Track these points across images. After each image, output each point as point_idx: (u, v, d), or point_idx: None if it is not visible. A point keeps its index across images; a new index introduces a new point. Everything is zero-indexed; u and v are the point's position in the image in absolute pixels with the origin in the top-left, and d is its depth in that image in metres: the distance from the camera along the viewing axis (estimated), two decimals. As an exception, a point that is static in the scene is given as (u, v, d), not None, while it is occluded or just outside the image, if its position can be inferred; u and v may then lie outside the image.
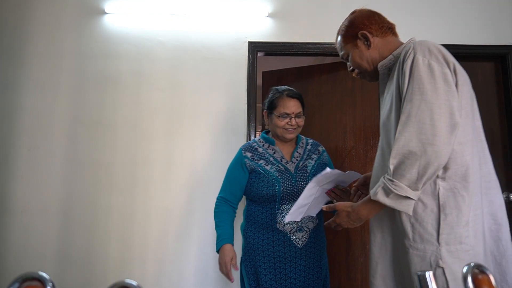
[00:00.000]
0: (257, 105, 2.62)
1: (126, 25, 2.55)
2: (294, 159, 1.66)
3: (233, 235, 1.63)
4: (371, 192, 1.03)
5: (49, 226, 2.33)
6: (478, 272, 0.50)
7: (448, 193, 0.99)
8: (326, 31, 2.53)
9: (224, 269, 1.55)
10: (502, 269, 1.02)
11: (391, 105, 1.08)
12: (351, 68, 1.27)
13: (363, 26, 1.21)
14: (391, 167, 0.97)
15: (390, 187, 0.97)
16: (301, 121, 1.66)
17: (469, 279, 0.49)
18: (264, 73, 3.11)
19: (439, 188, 0.99)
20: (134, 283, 0.45)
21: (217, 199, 1.71)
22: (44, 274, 0.45)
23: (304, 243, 1.56)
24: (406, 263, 1.01)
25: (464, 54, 2.64)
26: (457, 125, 0.95)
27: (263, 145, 1.69)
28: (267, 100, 1.71)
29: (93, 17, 2.55)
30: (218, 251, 1.58)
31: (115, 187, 2.38)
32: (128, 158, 2.41)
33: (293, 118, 1.62)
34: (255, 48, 2.55)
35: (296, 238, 1.54)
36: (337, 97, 2.71)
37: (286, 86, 1.72)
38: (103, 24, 2.55)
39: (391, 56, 1.17)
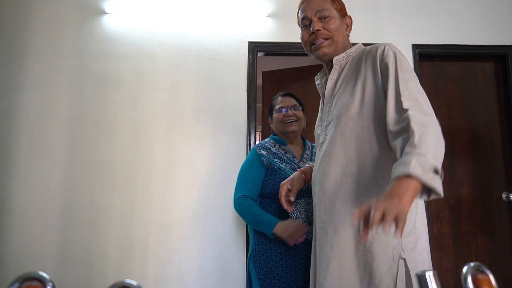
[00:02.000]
0: (257, 105, 2.62)
1: (126, 25, 2.55)
2: (304, 159, 1.73)
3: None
4: (403, 170, 0.84)
5: (49, 226, 2.33)
6: (478, 272, 0.51)
7: None
8: (326, 31, 2.53)
9: (295, 230, 1.49)
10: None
11: (359, 95, 1.08)
12: (319, 29, 1.18)
13: (347, 13, 1.27)
14: (415, 141, 0.87)
15: (427, 161, 0.84)
16: (298, 113, 1.76)
17: (469, 279, 0.49)
18: (264, 73, 3.11)
19: None
20: (134, 283, 0.45)
21: (238, 198, 1.68)
22: (44, 274, 0.45)
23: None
24: (370, 256, 1.00)
25: (464, 54, 2.64)
26: None
27: (274, 145, 1.75)
28: (268, 110, 1.87)
29: (93, 17, 2.55)
30: (273, 234, 1.54)
31: (115, 187, 2.38)
32: (128, 158, 2.41)
33: (289, 109, 1.74)
34: (255, 48, 2.55)
35: (307, 232, 1.55)
36: (337, 97, 2.71)
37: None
38: (103, 24, 2.56)
39: (344, 54, 1.19)
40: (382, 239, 0.99)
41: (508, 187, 2.55)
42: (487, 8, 2.65)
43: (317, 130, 1.27)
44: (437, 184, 0.84)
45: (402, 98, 0.98)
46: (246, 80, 2.52)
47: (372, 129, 1.06)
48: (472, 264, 0.51)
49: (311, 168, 1.37)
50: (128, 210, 2.36)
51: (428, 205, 2.46)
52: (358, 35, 2.60)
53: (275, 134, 1.83)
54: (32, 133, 2.42)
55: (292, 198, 1.34)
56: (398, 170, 0.86)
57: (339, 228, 1.05)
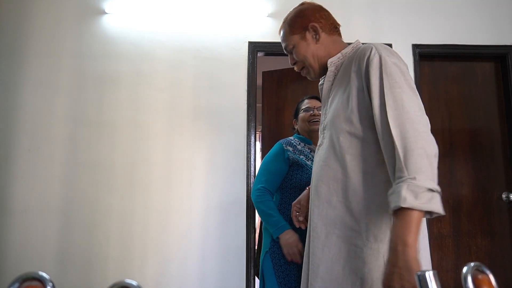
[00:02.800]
0: (257, 105, 2.62)
1: (126, 25, 2.55)
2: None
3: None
4: (395, 202, 0.85)
5: (49, 226, 2.33)
6: (478, 272, 0.50)
7: None
8: (326, 31, 2.53)
9: (294, 249, 1.56)
10: None
11: (348, 101, 1.06)
12: (294, 62, 1.23)
13: (314, 18, 1.18)
14: (402, 164, 0.87)
15: (417, 184, 0.83)
16: None
17: (469, 279, 0.49)
18: (264, 73, 3.11)
19: None
20: (134, 283, 0.45)
21: (258, 189, 1.72)
22: (44, 274, 0.45)
23: None
24: (361, 262, 0.99)
25: (464, 54, 2.64)
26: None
27: (300, 143, 1.80)
28: (294, 112, 1.95)
29: (93, 17, 2.55)
30: (277, 238, 1.61)
31: (115, 187, 2.38)
32: (128, 158, 2.41)
33: (315, 109, 1.81)
34: (255, 48, 2.55)
35: None
36: (337, 97, 2.71)
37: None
38: (103, 24, 2.56)
39: (339, 54, 1.16)
40: (373, 245, 0.98)
41: (508, 187, 2.55)
42: (487, 8, 2.65)
43: (319, 131, 1.28)
44: (434, 205, 0.83)
45: (387, 108, 0.93)
46: (246, 80, 2.52)
47: (360, 134, 1.04)
48: (472, 264, 0.51)
49: None
50: (128, 210, 2.36)
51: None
52: (358, 35, 2.60)
53: (299, 133, 1.88)
54: (32, 133, 2.42)
55: (300, 218, 1.39)
56: (392, 201, 0.86)
57: (330, 233, 1.05)
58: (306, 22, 1.18)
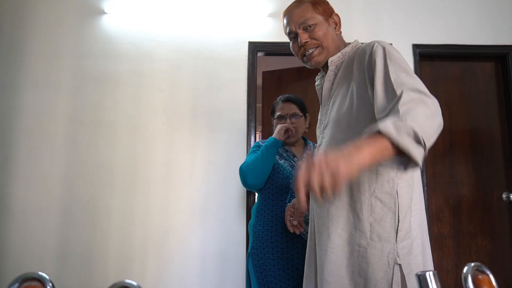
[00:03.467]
0: (257, 105, 2.62)
1: (126, 25, 2.55)
2: (304, 159, 1.74)
3: None
4: (373, 128, 0.78)
5: (49, 226, 2.33)
6: (478, 272, 0.50)
7: (402, 191, 1.00)
8: (326, 31, 2.54)
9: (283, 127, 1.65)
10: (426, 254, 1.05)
11: (352, 98, 1.04)
12: (306, 41, 1.14)
13: (334, 11, 1.21)
14: (401, 111, 0.79)
15: (405, 124, 0.76)
16: (298, 122, 1.74)
17: (469, 279, 0.49)
18: (264, 73, 3.11)
19: (397, 187, 1.00)
20: (134, 283, 0.45)
21: (244, 163, 1.69)
22: (44, 274, 0.45)
23: None
24: (364, 262, 0.99)
25: (464, 54, 2.64)
26: None
27: None
28: (271, 110, 1.87)
29: (92, 17, 2.55)
30: (272, 141, 1.65)
31: (115, 187, 2.38)
32: (128, 158, 2.41)
33: (287, 119, 1.72)
34: (255, 48, 2.55)
35: (304, 231, 1.54)
36: (337, 97, 2.71)
37: (287, 94, 1.84)
38: (103, 24, 2.56)
39: (340, 54, 1.16)
40: (377, 245, 0.98)
41: (508, 187, 2.55)
42: (487, 8, 2.65)
43: (317, 131, 1.27)
44: (411, 147, 0.74)
45: (393, 84, 0.88)
46: (246, 80, 2.52)
47: (361, 133, 1.03)
48: (472, 264, 0.51)
49: None
50: (128, 210, 2.36)
51: (428, 205, 2.46)
52: (358, 35, 2.60)
53: None
54: (32, 133, 2.42)
55: (295, 222, 1.39)
56: (369, 130, 0.78)
57: (332, 234, 1.05)
58: (331, 9, 1.20)
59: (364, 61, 1.01)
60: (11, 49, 2.50)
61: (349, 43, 1.20)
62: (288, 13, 1.19)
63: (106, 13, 2.55)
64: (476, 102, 2.65)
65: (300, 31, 1.15)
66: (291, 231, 1.40)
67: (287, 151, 1.74)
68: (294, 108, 1.75)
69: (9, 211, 2.34)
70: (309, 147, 1.79)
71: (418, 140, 0.76)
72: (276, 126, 1.77)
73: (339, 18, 1.20)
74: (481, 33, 2.62)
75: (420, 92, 0.85)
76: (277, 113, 1.77)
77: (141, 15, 2.56)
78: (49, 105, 2.45)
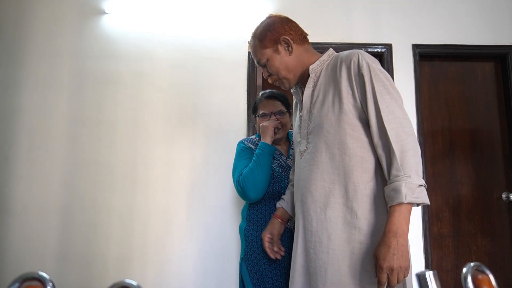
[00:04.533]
0: (257, 105, 2.62)
1: (126, 25, 2.55)
2: (291, 156, 1.63)
3: None
4: (395, 199, 0.98)
5: (49, 226, 2.33)
6: (478, 272, 0.51)
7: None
8: (326, 31, 2.53)
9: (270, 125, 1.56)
10: None
11: (340, 104, 1.10)
12: (268, 74, 1.26)
13: (283, 31, 1.21)
14: (399, 164, 1.00)
15: (413, 182, 0.97)
16: (283, 119, 1.64)
17: (469, 279, 0.49)
18: (264, 73, 3.10)
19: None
20: (134, 283, 0.45)
21: (237, 178, 1.57)
22: (44, 274, 0.45)
23: None
24: (367, 257, 1.04)
25: (464, 54, 2.64)
26: None
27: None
28: (252, 108, 1.76)
29: (92, 17, 2.55)
30: (267, 150, 1.55)
31: (115, 187, 2.38)
32: (128, 158, 2.41)
33: (272, 116, 1.63)
34: (255, 48, 2.55)
35: (285, 253, 1.47)
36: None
37: (269, 90, 1.75)
38: (103, 24, 2.55)
39: (318, 62, 1.21)
40: (376, 239, 1.04)
41: (508, 187, 2.55)
42: (487, 8, 2.65)
43: (296, 137, 1.28)
44: (424, 198, 0.99)
45: (382, 113, 1.03)
46: (246, 80, 2.52)
47: (354, 136, 1.09)
48: (472, 264, 0.51)
49: (283, 209, 1.44)
50: (128, 210, 2.36)
51: (428, 205, 2.46)
52: (358, 35, 2.60)
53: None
54: (32, 133, 2.42)
55: (275, 249, 1.41)
56: (392, 197, 0.99)
57: (332, 235, 1.08)
58: (276, 35, 1.21)
59: (350, 73, 1.09)
60: (11, 49, 2.50)
61: (323, 52, 1.25)
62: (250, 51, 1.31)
63: (106, 13, 2.55)
64: (476, 102, 2.65)
65: (261, 67, 1.27)
66: (273, 257, 1.41)
67: (275, 150, 1.64)
68: (278, 105, 1.66)
69: (9, 211, 2.34)
70: (293, 143, 1.66)
71: (423, 186, 0.99)
72: (259, 125, 1.66)
73: (287, 38, 1.20)
74: (481, 33, 2.62)
75: (401, 126, 1.03)
76: (261, 111, 1.66)
77: (141, 15, 2.56)
78: (49, 105, 2.45)
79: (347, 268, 1.06)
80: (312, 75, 1.20)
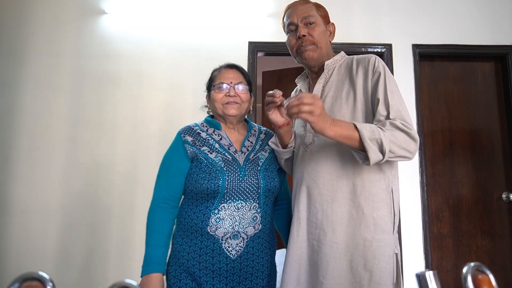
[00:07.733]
0: (257, 105, 2.62)
1: (126, 25, 2.55)
2: (244, 149, 1.30)
3: (166, 256, 1.32)
4: (363, 127, 0.99)
5: (49, 226, 2.33)
6: (478, 272, 0.50)
7: (395, 188, 1.13)
8: (326, 31, 2.54)
9: None
10: None
11: (355, 102, 1.15)
12: (304, 35, 1.20)
13: (331, 21, 1.32)
14: (387, 127, 1.02)
15: (378, 132, 0.98)
16: (244, 93, 1.32)
17: (469, 279, 0.49)
18: (264, 73, 3.11)
19: (391, 184, 1.12)
20: (134, 283, 0.45)
21: (153, 201, 1.33)
22: (44, 274, 0.45)
23: (239, 253, 1.20)
24: (370, 254, 1.06)
25: (464, 54, 2.64)
26: None
27: (207, 130, 1.33)
28: (206, 83, 1.45)
29: (92, 17, 2.55)
30: (141, 277, 1.26)
31: (115, 187, 2.38)
32: (128, 158, 2.41)
33: (231, 88, 1.30)
34: (255, 48, 2.55)
35: (229, 247, 1.20)
36: (337, 97, 2.71)
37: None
38: (103, 24, 2.55)
39: (332, 60, 1.26)
40: (380, 237, 1.06)
41: (508, 187, 2.55)
42: (487, 8, 2.65)
43: (300, 130, 1.28)
44: (370, 148, 0.96)
45: (390, 109, 1.07)
46: (246, 80, 2.51)
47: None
48: (472, 264, 0.51)
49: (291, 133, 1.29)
50: (128, 210, 2.36)
51: (428, 205, 2.46)
52: (358, 35, 2.60)
53: (211, 116, 1.40)
54: (32, 133, 2.42)
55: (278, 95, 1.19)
56: (364, 126, 1.00)
57: (337, 230, 1.10)
58: (329, 18, 1.30)
59: (367, 73, 1.15)
60: (11, 49, 2.50)
61: (336, 52, 1.30)
62: (293, 7, 1.28)
63: (106, 13, 2.55)
64: (476, 102, 2.65)
65: (301, 25, 1.23)
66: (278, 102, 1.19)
67: (221, 138, 1.31)
68: (240, 77, 1.35)
69: (9, 211, 2.33)
70: (253, 132, 1.37)
71: (381, 150, 0.97)
72: (212, 99, 1.33)
73: (334, 28, 1.30)
74: (481, 33, 2.62)
75: (408, 124, 1.06)
76: (218, 81, 1.33)
77: (141, 15, 2.56)
78: (49, 105, 2.45)
79: (349, 263, 1.08)
80: (325, 71, 1.25)
